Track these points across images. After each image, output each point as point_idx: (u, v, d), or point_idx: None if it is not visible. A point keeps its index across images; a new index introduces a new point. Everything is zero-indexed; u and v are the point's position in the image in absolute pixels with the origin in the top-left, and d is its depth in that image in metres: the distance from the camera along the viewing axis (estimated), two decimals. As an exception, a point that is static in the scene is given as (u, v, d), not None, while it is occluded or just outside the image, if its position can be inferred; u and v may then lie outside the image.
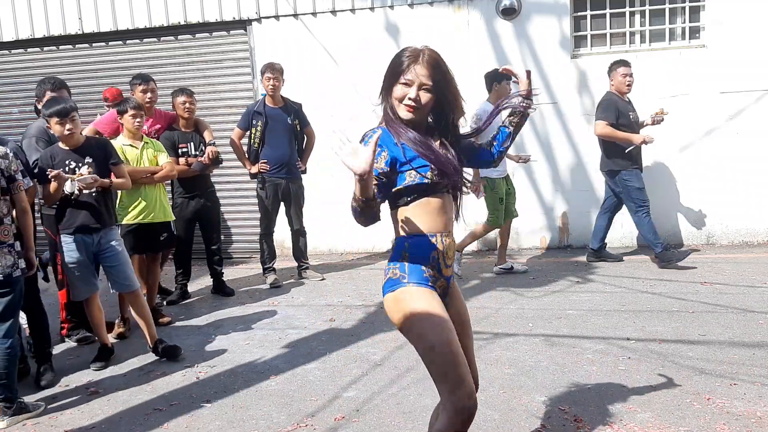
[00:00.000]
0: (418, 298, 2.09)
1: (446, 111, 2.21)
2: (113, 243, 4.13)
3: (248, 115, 5.93)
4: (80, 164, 3.99)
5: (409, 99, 2.11)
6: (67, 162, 3.98)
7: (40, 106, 4.41)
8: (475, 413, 2.00)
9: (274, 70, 5.85)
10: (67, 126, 3.93)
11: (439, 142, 2.22)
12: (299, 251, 6.27)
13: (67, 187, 3.98)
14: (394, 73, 2.14)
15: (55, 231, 4.40)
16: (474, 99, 6.94)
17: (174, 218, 5.25)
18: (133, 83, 5.34)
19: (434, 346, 2.03)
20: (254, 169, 5.92)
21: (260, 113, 5.86)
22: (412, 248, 2.14)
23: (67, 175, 3.90)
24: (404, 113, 2.13)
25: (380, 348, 4.21)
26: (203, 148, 5.55)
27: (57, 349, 4.21)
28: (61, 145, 4.05)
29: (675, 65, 6.65)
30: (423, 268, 2.13)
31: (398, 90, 2.13)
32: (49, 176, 3.84)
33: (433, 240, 2.14)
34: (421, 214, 2.15)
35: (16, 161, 3.49)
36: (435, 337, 2.03)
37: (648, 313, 4.62)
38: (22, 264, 3.43)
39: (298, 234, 6.21)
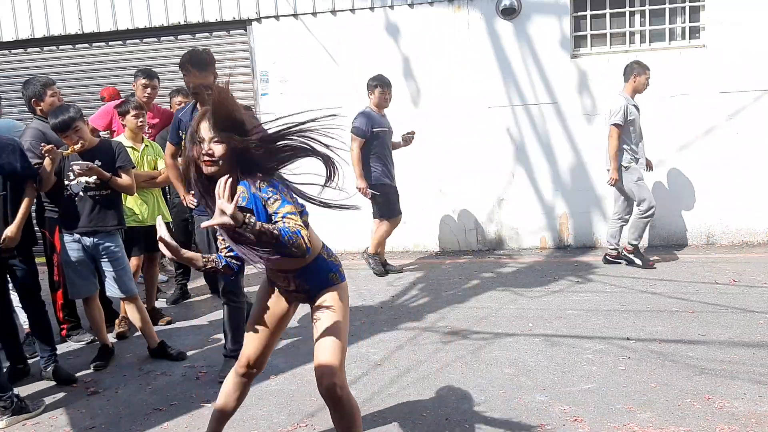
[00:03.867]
0: (259, 290, 2.67)
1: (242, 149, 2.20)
2: (113, 248, 4.11)
3: (176, 125, 4.18)
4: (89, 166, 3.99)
5: (204, 154, 2.22)
6: (77, 161, 3.99)
7: (39, 107, 4.41)
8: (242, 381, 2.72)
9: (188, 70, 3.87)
10: (73, 138, 3.95)
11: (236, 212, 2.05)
12: None
13: (74, 186, 3.98)
14: (191, 138, 2.28)
15: (53, 232, 4.40)
16: (473, 99, 6.96)
17: (171, 219, 5.25)
18: (136, 76, 5.37)
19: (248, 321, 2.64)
20: (189, 200, 4.22)
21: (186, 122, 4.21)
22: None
23: (59, 151, 3.90)
24: (207, 169, 2.24)
25: (380, 348, 4.21)
26: (202, 148, 5.53)
27: (57, 350, 4.19)
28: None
29: (675, 65, 6.65)
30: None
31: (194, 151, 2.25)
32: (42, 151, 3.82)
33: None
34: None
35: None
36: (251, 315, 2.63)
37: (648, 313, 4.62)
38: None
39: None
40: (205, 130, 2.23)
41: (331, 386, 2.34)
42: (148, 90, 5.28)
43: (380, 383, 3.63)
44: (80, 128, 3.97)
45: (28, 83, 4.45)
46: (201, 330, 4.87)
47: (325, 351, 2.38)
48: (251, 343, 2.63)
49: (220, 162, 2.22)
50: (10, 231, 3.71)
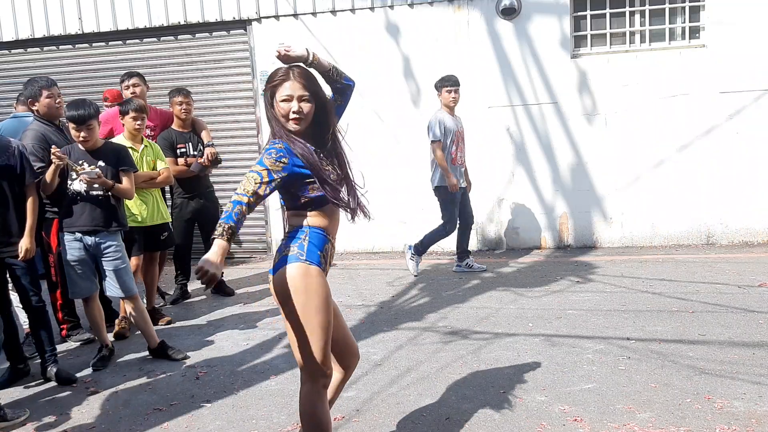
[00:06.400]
0: (315, 278, 2.35)
1: (324, 119, 2.44)
2: (114, 247, 4.11)
3: None
4: (92, 166, 3.99)
5: (293, 112, 2.35)
6: (80, 162, 3.99)
7: (35, 108, 4.40)
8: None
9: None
10: (82, 134, 3.96)
11: (325, 153, 2.45)
12: None
13: (75, 185, 3.98)
14: (272, 94, 2.38)
15: (50, 232, 4.40)
16: (473, 99, 6.96)
17: (171, 219, 5.25)
18: (122, 79, 5.41)
19: (322, 326, 2.35)
20: None
21: None
22: (312, 235, 2.40)
23: (68, 159, 3.89)
24: (292, 126, 2.37)
25: (380, 348, 4.21)
26: (201, 148, 5.55)
27: (57, 349, 4.20)
28: (78, 145, 4.07)
29: (675, 65, 6.65)
30: (319, 253, 2.39)
31: (281, 107, 2.36)
32: (53, 153, 3.80)
33: (329, 237, 2.46)
34: (322, 219, 2.43)
35: None
36: (322, 317, 2.35)
37: (648, 313, 4.62)
38: None
39: None
40: (294, 89, 2.35)
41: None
42: (130, 90, 5.30)
43: (380, 383, 3.63)
44: (93, 127, 4.00)
45: (28, 83, 4.44)
46: (201, 330, 4.87)
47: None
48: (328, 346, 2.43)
49: (305, 120, 2.38)
50: (25, 243, 3.73)
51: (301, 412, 2.45)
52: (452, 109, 6.02)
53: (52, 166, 3.87)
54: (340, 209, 2.47)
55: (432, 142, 5.89)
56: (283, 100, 2.36)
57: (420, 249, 6.11)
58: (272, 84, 2.39)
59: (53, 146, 3.90)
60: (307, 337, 2.34)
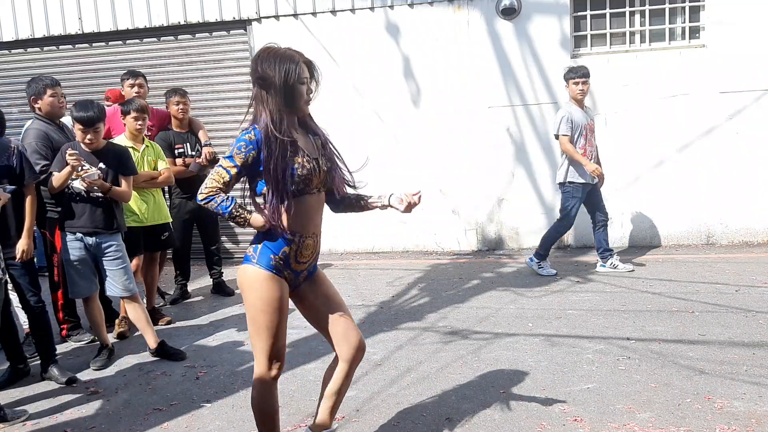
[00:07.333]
0: (260, 282, 2.36)
1: None
2: (115, 247, 4.12)
3: None
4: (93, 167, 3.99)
5: (308, 96, 2.36)
6: (82, 162, 3.98)
7: (37, 106, 4.39)
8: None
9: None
10: (89, 136, 3.97)
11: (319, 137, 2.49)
12: None
13: (76, 184, 3.99)
14: (299, 75, 2.31)
15: (54, 232, 4.40)
16: (473, 98, 6.96)
17: (171, 219, 5.25)
18: (123, 78, 5.40)
19: (266, 326, 2.40)
20: None
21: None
22: (268, 236, 2.38)
23: (82, 162, 3.91)
24: (307, 108, 2.40)
25: (380, 348, 4.21)
26: (199, 148, 5.54)
27: (57, 350, 4.20)
28: (81, 145, 4.07)
29: (675, 65, 6.65)
30: (271, 256, 2.37)
31: (303, 89, 2.34)
32: (67, 154, 3.82)
33: (289, 238, 2.38)
34: (285, 216, 2.35)
35: None
36: (266, 318, 2.38)
37: (648, 313, 4.62)
38: None
39: None
40: (306, 72, 2.35)
41: (364, 347, 2.60)
42: (135, 89, 5.30)
43: (380, 383, 3.63)
44: (100, 129, 4.01)
45: (32, 81, 4.44)
46: (201, 330, 4.87)
47: (350, 317, 2.63)
48: (281, 344, 2.50)
49: None
50: (22, 244, 3.73)
51: (251, 398, 2.58)
52: (581, 102, 5.79)
53: (68, 168, 3.88)
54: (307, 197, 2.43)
55: (562, 135, 5.67)
56: (302, 83, 2.34)
57: (542, 253, 5.90)
58: (295, 63, 2.31)
59: (69, 149, 3.90)
60: (255, 332, 2.42)
